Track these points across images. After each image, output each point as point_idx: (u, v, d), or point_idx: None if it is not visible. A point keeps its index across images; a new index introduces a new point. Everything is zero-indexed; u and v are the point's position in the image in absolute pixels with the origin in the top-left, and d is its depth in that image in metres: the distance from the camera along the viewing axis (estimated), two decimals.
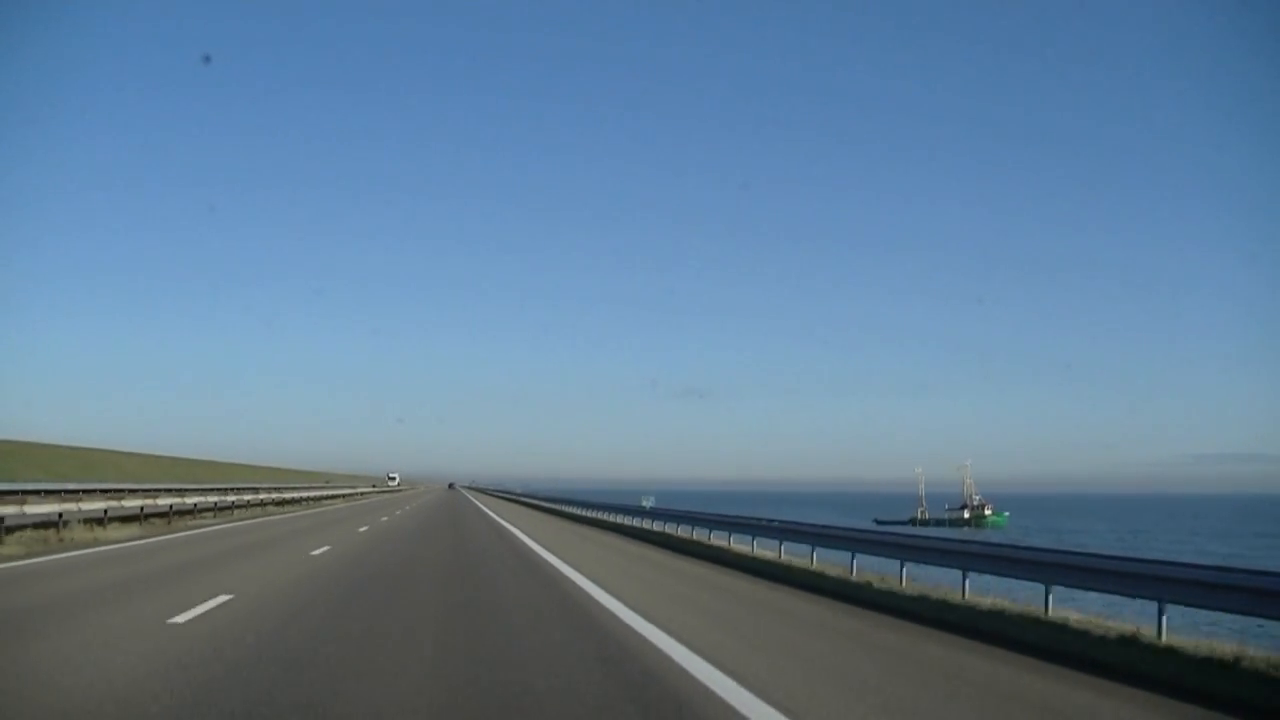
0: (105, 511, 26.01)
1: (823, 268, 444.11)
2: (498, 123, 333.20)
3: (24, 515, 21.37)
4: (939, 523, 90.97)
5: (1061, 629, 10.83)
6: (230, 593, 11.95)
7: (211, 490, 39.04)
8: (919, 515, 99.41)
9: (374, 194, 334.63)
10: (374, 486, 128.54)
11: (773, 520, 22.40)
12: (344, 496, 76.69)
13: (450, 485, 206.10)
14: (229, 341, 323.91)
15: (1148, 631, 10.32)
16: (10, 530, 20.67)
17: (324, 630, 9.44)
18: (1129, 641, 10.10)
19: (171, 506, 31.18)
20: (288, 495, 54.20)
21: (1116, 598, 11.45)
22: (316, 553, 19.60)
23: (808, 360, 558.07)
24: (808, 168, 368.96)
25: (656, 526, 32.97)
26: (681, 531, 29.54)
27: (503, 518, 42.82)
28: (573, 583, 14.70)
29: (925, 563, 15.37)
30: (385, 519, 38.05)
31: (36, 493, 25.74)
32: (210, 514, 35.54)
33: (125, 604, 11.17)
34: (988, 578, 13.89)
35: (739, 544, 23.73)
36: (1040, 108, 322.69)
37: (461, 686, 7.06)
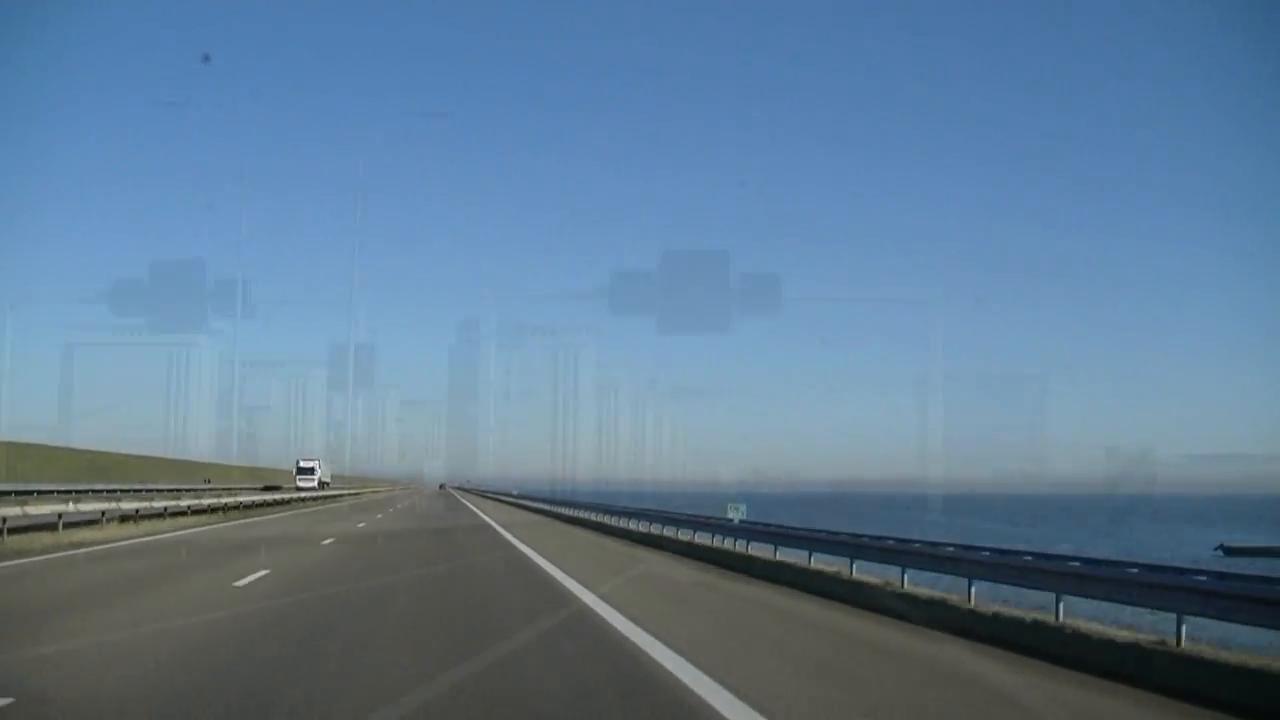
0: None
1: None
2: (497, 124, 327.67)
3: None
4: None
5: None
6: None
7: None
8: None
9: (374, 194, 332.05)
10: (266, 488, 65.42)
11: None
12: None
13: (441, 486, 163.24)
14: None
15: None
16: None
17: None
18: None
19: None
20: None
21: None
22: None
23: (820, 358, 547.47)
24: (807, 166, 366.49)
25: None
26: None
27: None
28: None
29: None
30: None
31: None
32: None
33: None
34: None
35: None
36: (1041, 109, 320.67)
37: None
